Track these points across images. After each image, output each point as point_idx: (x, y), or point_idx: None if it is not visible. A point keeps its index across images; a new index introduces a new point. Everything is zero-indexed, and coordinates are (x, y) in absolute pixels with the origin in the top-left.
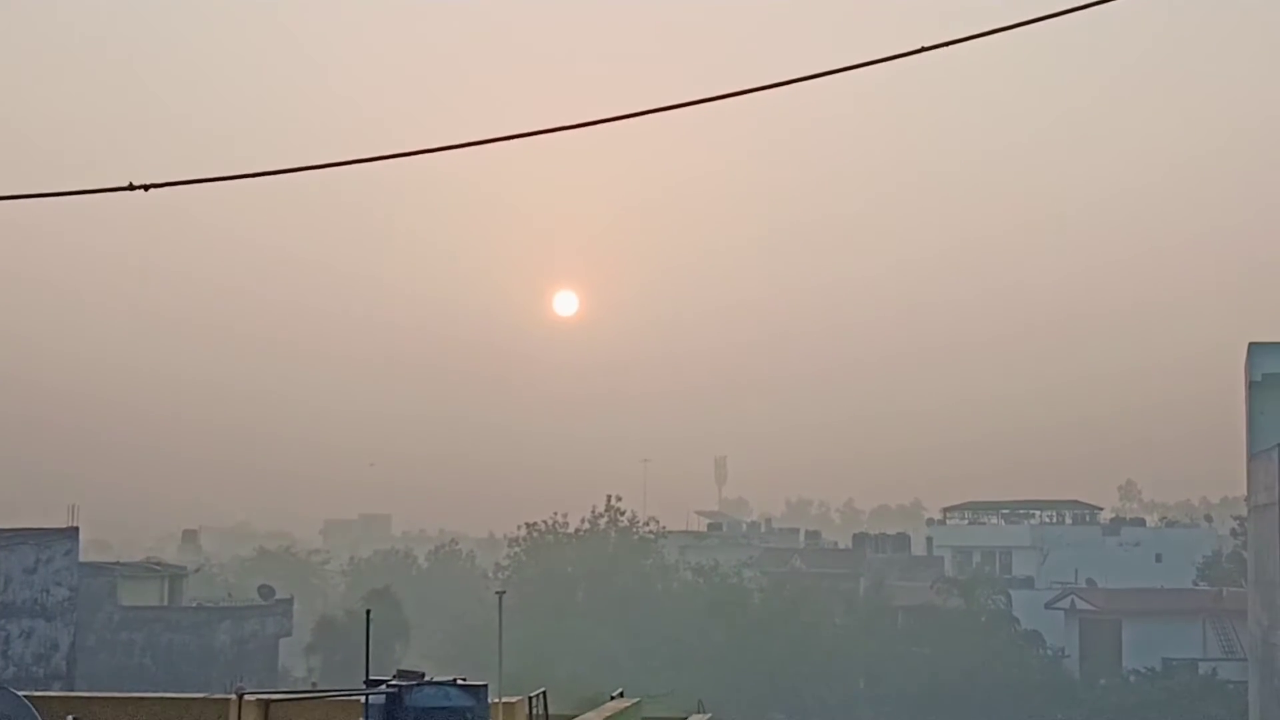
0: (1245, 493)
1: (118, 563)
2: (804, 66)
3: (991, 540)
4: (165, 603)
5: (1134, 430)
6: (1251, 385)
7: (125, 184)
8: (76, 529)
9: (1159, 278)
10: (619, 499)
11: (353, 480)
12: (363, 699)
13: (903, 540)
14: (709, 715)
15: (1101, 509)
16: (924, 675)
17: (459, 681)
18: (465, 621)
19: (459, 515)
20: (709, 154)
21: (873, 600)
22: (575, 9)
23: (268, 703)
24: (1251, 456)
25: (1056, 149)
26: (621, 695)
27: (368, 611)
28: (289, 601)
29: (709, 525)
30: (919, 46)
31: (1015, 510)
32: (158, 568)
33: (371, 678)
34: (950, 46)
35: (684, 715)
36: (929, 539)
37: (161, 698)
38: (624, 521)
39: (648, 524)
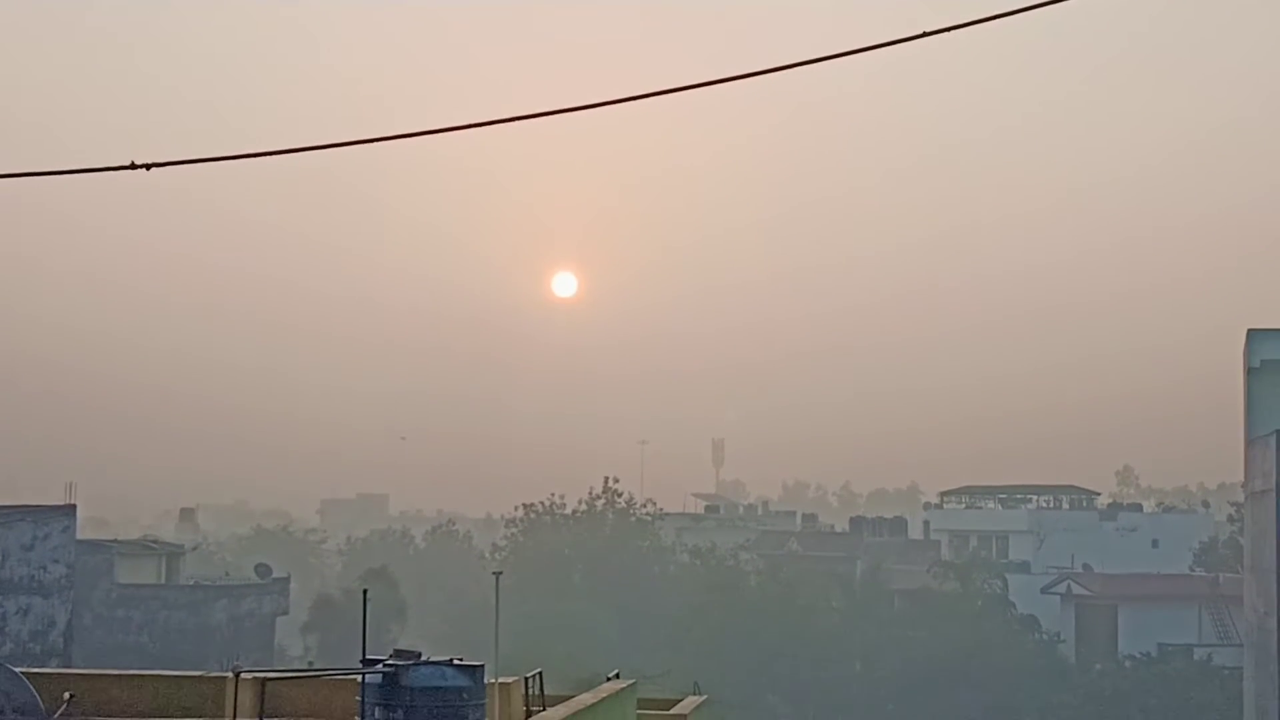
0: (1242, 479)
1: (115, 540)
2: (807, 50)
3: (988, 524)
4: (162, 581)
5: (1132, 415)
6: (1250, 371)
7: (126, 163)
8: (74, 506)
9: (1158, 262)
10: (616, 480)
11: (350, 460)
12: (359, 678)
13: (899, 524)
14: (705, 697)
15: (1099, 494)
16: (920, 658)
17: (455, 661)
18: (462, 602)
19: (456, 496)
20: (710, 136)
21: (869, 583)
22: None
23: (264, 681)
24: (1249, 443)
25: (1056, 133)
26: (617, 676)
27: (364, 591)
28: (286, 580)
29: (706, 507)
30: (921, 31)
31: (1012, 495)
32: (155, 545)
33: (368, 657)
34: (953, 31)
35: (680, 697)
36: (926, 522)
37: (158, 675)
38: (621, 503)
39: (645, 506)
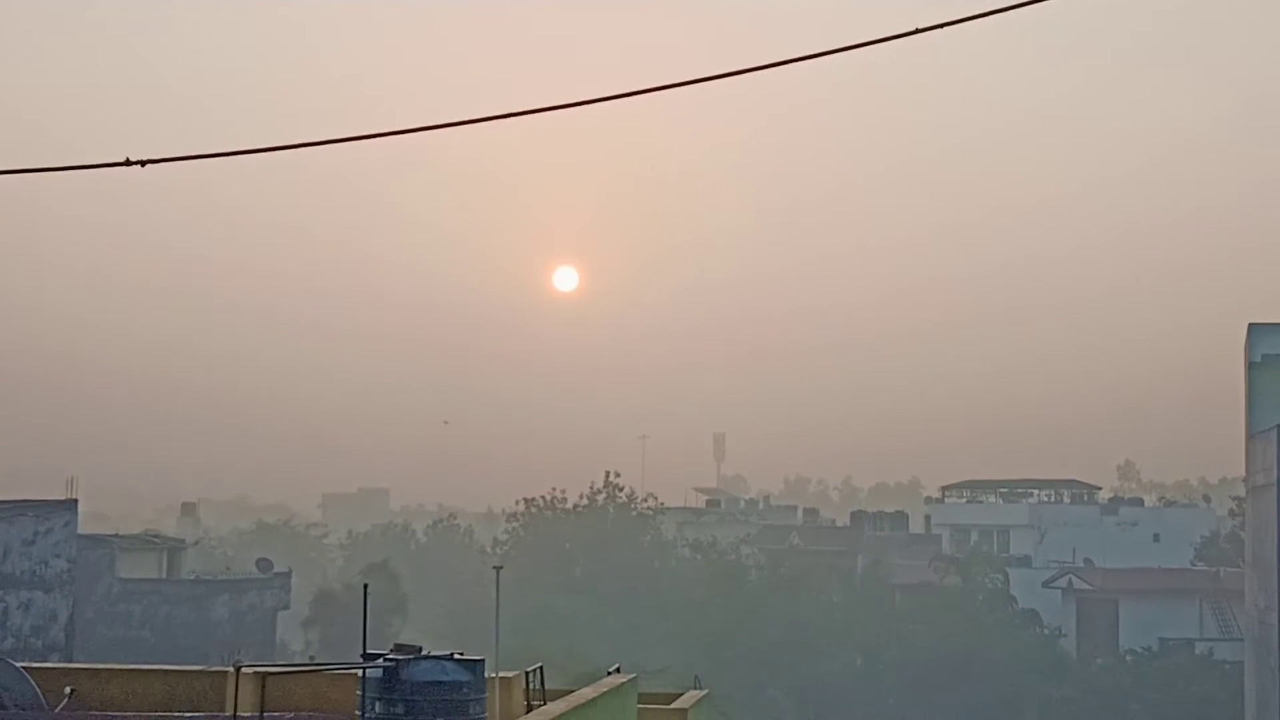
0: (1244, 473)
1: (116, 535)
2: (804, 46)
3: (989, 519)
4: (163, 575)
5: (1133, 410)
6: (1251, 366)
7: (123, 159)
8: (75, 501)
9: (1159, 256)
10: (618, 475)
11: (351, 454)
12: (360, 673)
13: (901, 518)
14: (705, 691)
15: (1100, 488)
16: (921, 653)
17: (456, 656)
18: (463, 596)
19: (457, 490)
20: (711, 131)
21: (870, 578)
22: None
23: (265, 675)
24: (1250, 437)
25: (1055, 127)
26: (618, 671)
27: (365, 585)
28: (287, 575)
29: (707, 502)
30: (914, 28)
31: (1013, 489)
32: (156, 540)
33: (369, 651)
34: (947, 28)
35: (680, 691)
36: (927, 517)
37: (159, 670)
38: (622, 497)
39: (646, 500)
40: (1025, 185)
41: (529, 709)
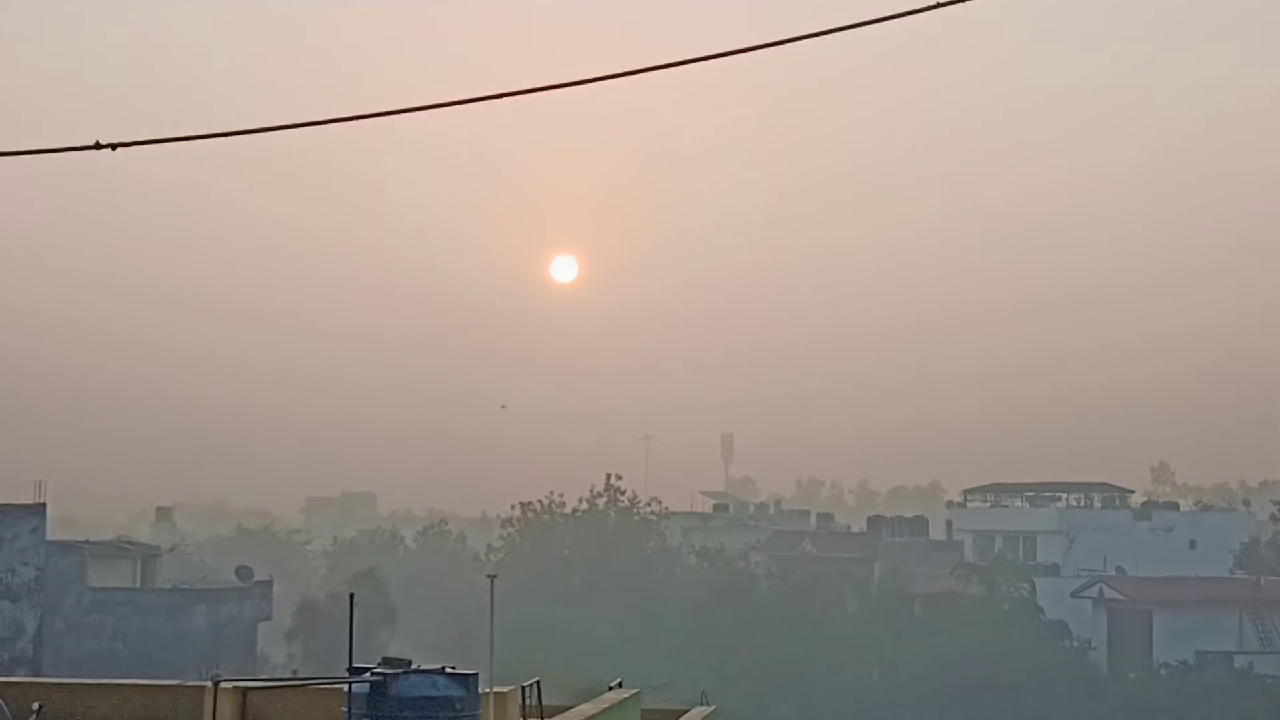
0: None
1: (87, 541)
2: (814, 22)
3: (1015, 524)
4: (137, 584)
5: (1168, 409)
6: None
7: (91, 143)
8: (44, 505)
9: (1195, 245)
10: (619, 477)
11: (336, 456)
12: (346, 687)
13: (920, 524)
14: (712, 707)
15: (1132, 492)
16: (942, 667)
17: (448, 670)
18: (455, 606)
19: (449, 494)
20: (718, 111)
21: (888, 587)
22: None
23: (245, 690)
24: None
25: (1085, 108)
26: (620, 686)
27: (351, 595)
28: (268, 584)
29: (715, 506)
30: (934, 2)
31: (1040, 492)
32: (129, 547)
33: (355, 665)
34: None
35: (686, 707)
36: (948, 522)
37: (133, 684)
38: (624, 501)
39: (649, 504)
40: (1054, 169)
41: None
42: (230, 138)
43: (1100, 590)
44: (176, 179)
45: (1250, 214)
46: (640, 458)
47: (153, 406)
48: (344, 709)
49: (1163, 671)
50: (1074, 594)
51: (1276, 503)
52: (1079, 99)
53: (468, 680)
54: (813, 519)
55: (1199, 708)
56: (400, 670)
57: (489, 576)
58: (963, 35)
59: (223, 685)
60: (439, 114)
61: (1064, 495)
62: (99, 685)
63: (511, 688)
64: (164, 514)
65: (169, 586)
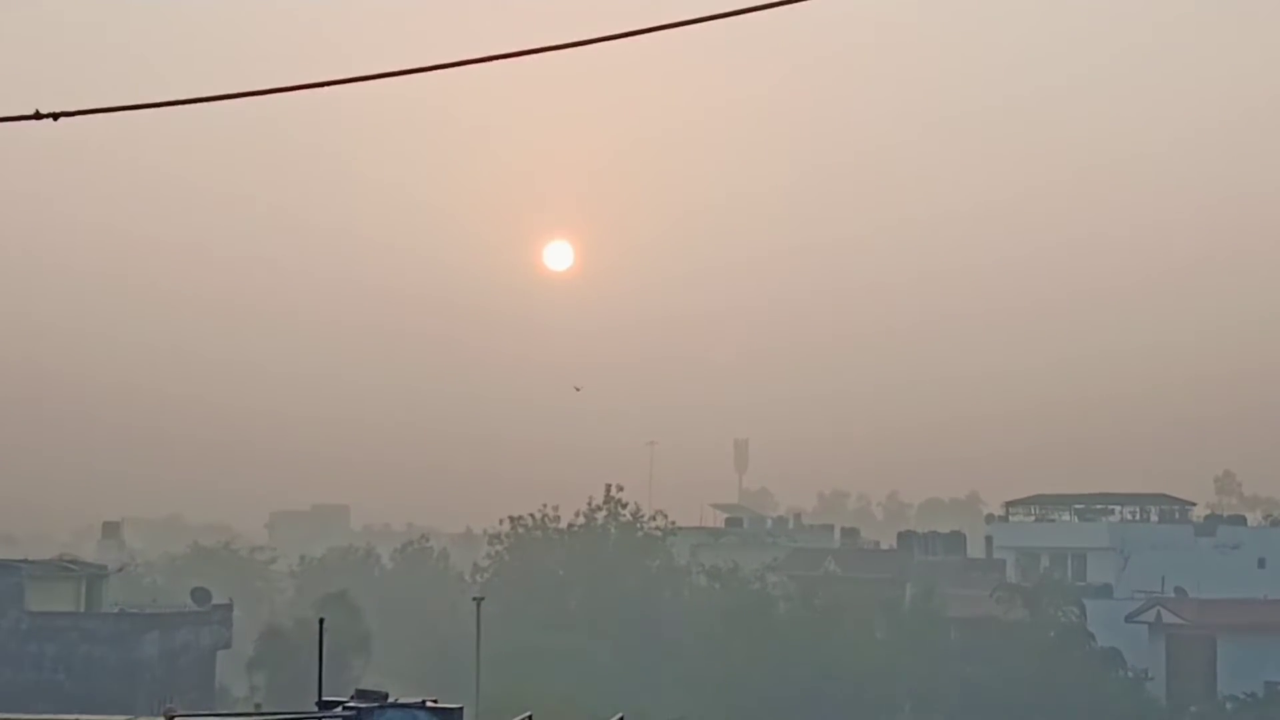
0: None
1: (25, 560)
2: None
3: (1062, 541)
4: (82, 608)
5: (1233, 413)
6: None
7: (31, 111)
8: None
9: (1259, 233)
10: (620, 489)
11: (304, 465)
12: None
13: (957, 540)
14: None
15: (1194, 504)
16: (981, 700)
17: (429, 704)
18: (437, 632)
19: (430, 507)
20: (728, 81)
21: (921, 611)
22: None
23: None
24: None
25: (1126, 85)
26: None
27: (321, 620)
28: (228, 607)
29: (727, 520)
30: None
31: (1091, 505)
32: (73, 567)
33: (325, 698)
34: None
35: None
36: (988, 539)
37: None
38: (626, 515)
39: (654, 518)
40: (1095, 150)
41: None
42: (184, 106)
43: (1158, 614)
44: (124, 153)
45: None
46: (644, 466)
47: (98, 409)
48: None
49: (1228, 705)
50: (1128, 618)
51: None
52: (1119, 74)
53: (451, 715)
54: (836, 535)
55: None
56: (376, 704)
57: (475, 599)
58: (985, 7)
59: None
60: (415, 80)
61: (1117, 508)
62: None
63: None
64: (111, 529)
65: (117, 611)
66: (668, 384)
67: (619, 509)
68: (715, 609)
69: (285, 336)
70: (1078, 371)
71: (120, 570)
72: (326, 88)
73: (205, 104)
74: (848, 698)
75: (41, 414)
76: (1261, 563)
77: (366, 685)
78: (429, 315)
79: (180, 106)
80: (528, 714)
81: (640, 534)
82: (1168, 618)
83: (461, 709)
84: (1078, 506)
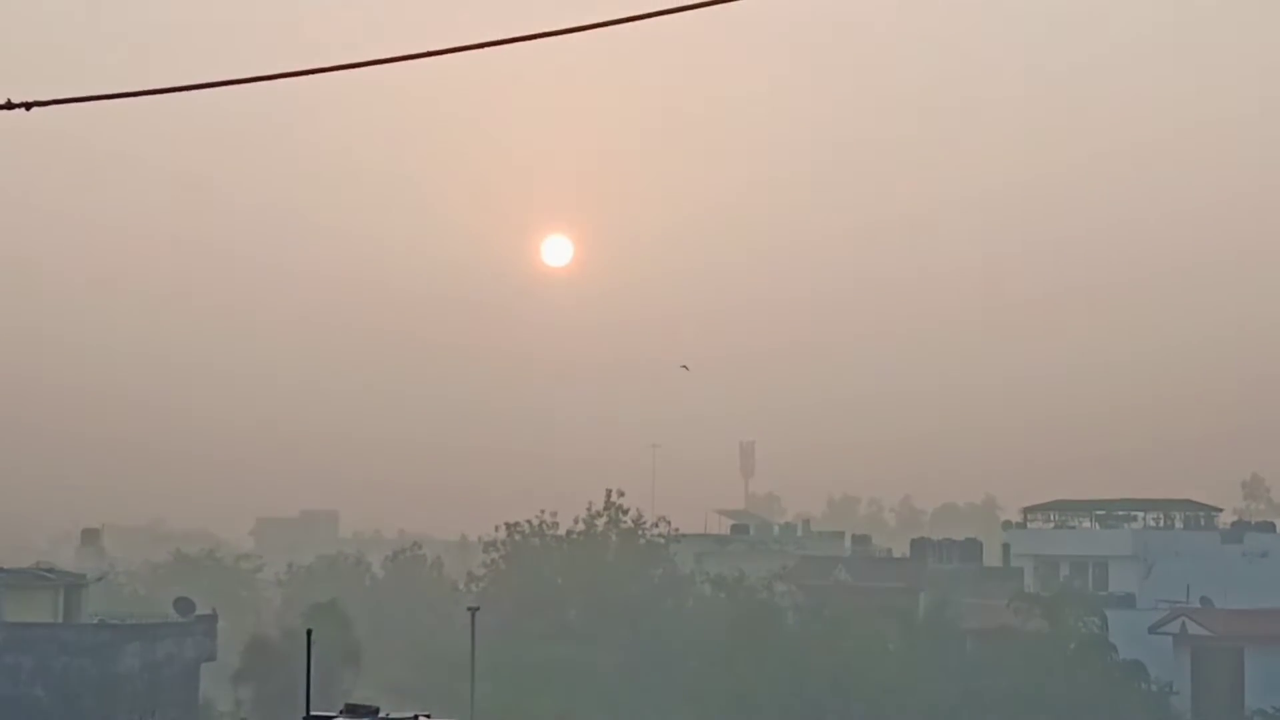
0: None
1: (1, 569)
2: None
3: (1083, 548)
4: (59, 618)
5: (1262, 415)
6: None
7: (2, 101)
8: None
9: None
10: (621, 494)
11: (291, 470)
12: None
13: (973, 547)
14: None
15: (1220, 510)
16: (998, 714)
17: (421, 718)
18: (430, 644)
19: (422, 513)
20: (736, 63)
21: (935, 622)
22: None
23: None
24: None
25: (1153, 62)
26: None
27: (309, 631)
28: (212, 618)
29: (733, 527)
30: None
31: (1113, 511)
32: (50, 576)
33: (313, 713)
34: None
35: None
36: (1005, 546)
37: None
38: (627, 522)
39: (656, 525)
40: (1117, 134)
41: None
42: (166, 95)
43: (1183, 625)
44: (101, 146)
45: None
46: (646, 470)
47: (77, 411)
48: None
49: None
50: (1152, 629)
51: None
52: (1136, 56)
53: None
54: (847, 542)
55: None
56: (366, 719)
57: (469, 609)
58: None
59: None
60: (406, 67)
61: (1140, 514)
62: None
63: None
64: (91, 537)
65: (96, 621)
66: (670, 385)
67: (620, 515)
68: (720, 620)
69: (271, 335)
70: (1099, 372)
71: (100, 579)
72: (312, 75)
73: (186, 93)
74: (858, 712)
75: (16, 416)
76: None
77: (357, 699)
78: (421, 313)
79: (162, 95)
80: None
81: (642, 541)
82: (1193, 629)
83: None
84: (1099, 513)
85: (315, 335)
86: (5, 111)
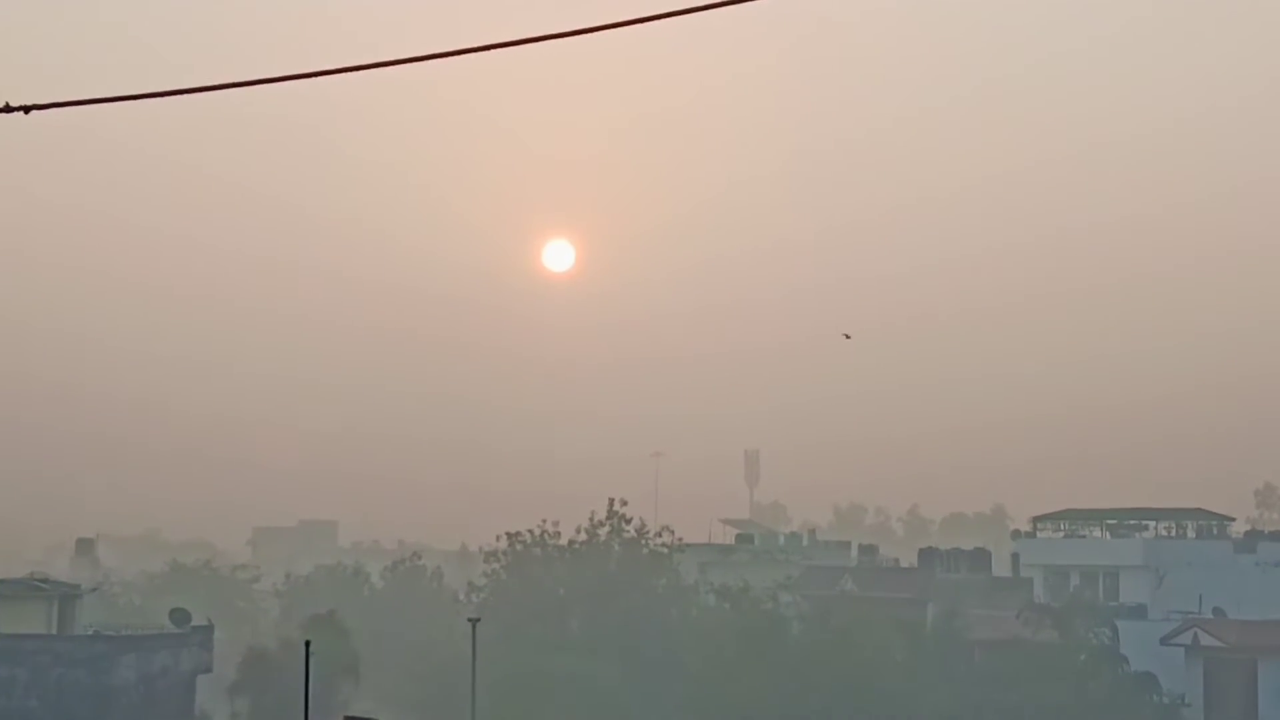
0: None
1: None
2: None
3: (1093, 558)
4: (54, 629)
5: (1274, 423)
6: None
7: (1, 104)
8: None
9: None
10: (624, 502)
11: (289, 478)
12: None
13: (982, 557)
14: None
15: (1233, 519)
16: None
17: None
18: (430, 656)
19: (422, 523)
20: (732, 63)
21: (943, 633)
22: None
23: None
24: None
25: (1141, 55)
26: None
27: (307, 642)
28: (209, 629)
29: (737, 537)
30: None
31: (1124, 520)
32: (44, 586)
33: None
34: None
35: None
36: (1015, 556)
37: None
38: (630, 531)
39: (660, 534)
40: (1107, 128)
41: None
42: (167, 99)
43: (1195, 636)
44: (98, 145)
45: None
46: (649, 478)
47: (71, 418)
48: None
49: None
50: (1164, 640)
51: None
52: (1140, 37)
53: None
54: (854, 552)
55: None
56: None
57: (470, 620)
58: None
59: None
60: (417, 73)
61: (1152, 523)
62: None
63: None
64: (85, 546)
65: (91, 632)
66: (674, 390)
67: (623, 524)
68: (725, 630)
69: (270, 339)
70: (1110, 378)
71: (95, 590)
72: (315, 78)
73: (188, 95)
74: None
75: (10, 423)
76: None
77: (355, 712)
78: (423, 317)
79: (159, 100)
80: None
81: (645, 551)
82: (1205, 640)
83: None
84: (1110, 522)
85: (316, 340)
86: (4, 115)
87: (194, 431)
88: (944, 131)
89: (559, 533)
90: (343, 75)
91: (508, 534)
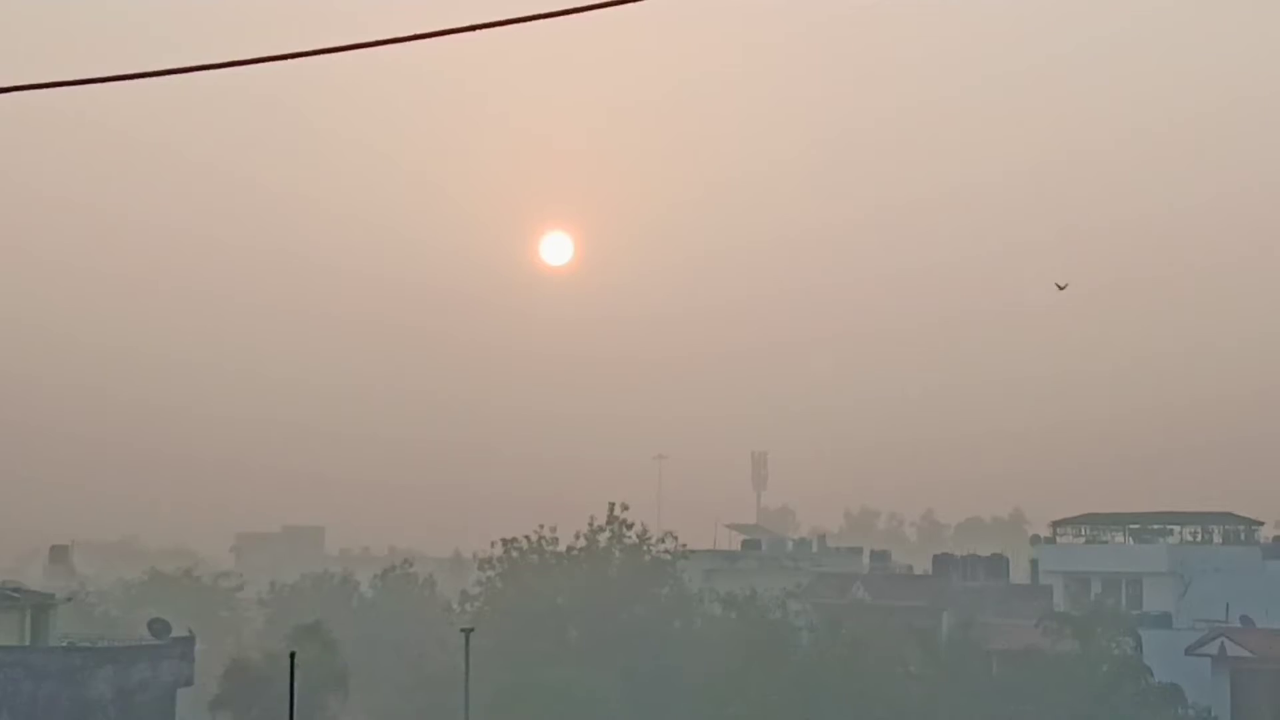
0: None
1: None
2: None
3: (1116, 564)
4: (26, 641)
5: None
6: None
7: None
8: None
9: None
10: (625, 507)
11: (274, 482)
12: None
13: (999, 564)
14: None
15: (1261, 524)
16: None
17: None
18: (422, 667)
19: (414, 529)
20: (743, 47)
21: (959, 642)
22: None
23: None
24: None
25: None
26: None
27: (292, 654)
28: (190, 640)
29: (744, 542)
30: None
31: (1147, 525)
32: (16, 595)
33: None
34: None
35: None
36: (1034, 562)
37: None
38: (631, 537)
39: (663, 540)
40: (1133, 121)
41: None
42: (159, 79)
43: (1222, 646)
44: (79, 127)
45: None
46: (651, 482)
47: (45, 418)
48: None
49: None
50: (1189, 651)
51: None
52: (1161, 28)
53: None
54: (865, 558)
55: None
56: None
57: (463, 630)
58: None
59: None
60: (408, 55)
61: (1176, 528)
62: None
63: None
64: (60, 554)
65: (66, 644)
66: (678, 390)
67: (624, 530)
68: (731, 641)
69: (252, 333)
70: (1132, 379)
71: (69, 599)
72: (299, 59)
73: (173, 76)
74: None
75: None
76: None
77: None
78: (416, 312)
79: (157, 79)
80: None
81: (648, 558)
82: (1233, 650)
83: None
84: (1133, 527)
85: (303, 336)
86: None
87: (173, 433)
88: (968, 122)
89: (557, 539)
90: (328, 56)
91: (503, 540)
